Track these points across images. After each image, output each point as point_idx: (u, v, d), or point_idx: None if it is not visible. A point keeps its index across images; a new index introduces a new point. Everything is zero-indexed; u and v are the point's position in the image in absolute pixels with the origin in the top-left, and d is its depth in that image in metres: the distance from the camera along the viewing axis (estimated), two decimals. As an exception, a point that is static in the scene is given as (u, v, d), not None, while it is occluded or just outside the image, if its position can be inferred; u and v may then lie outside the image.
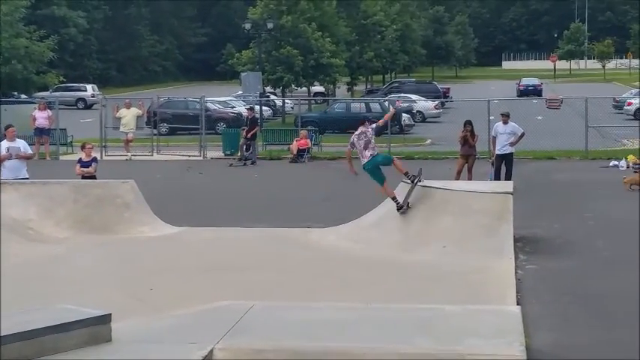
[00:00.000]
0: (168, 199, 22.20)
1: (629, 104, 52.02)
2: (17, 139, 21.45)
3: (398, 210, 16.87)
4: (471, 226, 16.68)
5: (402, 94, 60.57)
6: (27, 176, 21.01)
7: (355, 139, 17.77)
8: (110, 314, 9.21)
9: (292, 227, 18.69)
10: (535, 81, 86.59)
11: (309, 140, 35.48)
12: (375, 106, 47.47)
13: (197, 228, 19.08)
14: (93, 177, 21.54)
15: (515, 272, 14.96)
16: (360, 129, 17.85)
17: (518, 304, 12.04)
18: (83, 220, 18.56)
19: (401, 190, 17.55)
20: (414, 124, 48.87)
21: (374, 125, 18.32)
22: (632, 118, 48.47)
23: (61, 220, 18.58)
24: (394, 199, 17.07)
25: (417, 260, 15.67)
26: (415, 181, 17.15)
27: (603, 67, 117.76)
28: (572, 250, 17.11)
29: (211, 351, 8.62)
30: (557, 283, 14.67)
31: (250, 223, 19.45)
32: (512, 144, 24.25)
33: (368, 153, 17.36)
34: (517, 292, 13.55)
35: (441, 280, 14.18)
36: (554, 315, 12.43)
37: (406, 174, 17.44)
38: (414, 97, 59.47)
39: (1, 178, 20.39)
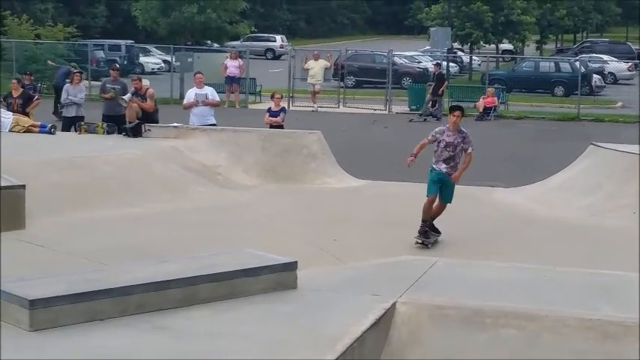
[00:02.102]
0: (353, 151, 22.43)
1: None
2: (205, 86, 21.87)
3: (420, 236, 13.47)
4: None
5: (594, 55, 58.95)
6: (214, 123, 21.52)
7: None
8: (296, 262, 9.42)
9: (476, 185, 18.50)
10: None
11: (495, 98, 35.12)
12: (565, 66, 46.36)
13: (381, 182, 19.21)
14: (280, 126, 21.90)
15: None
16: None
17: None
18: (270, 169, 18.94)
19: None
20: (604, 86, 47.58)
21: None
22: None
23: (248, 167, 19.01)
24: (426, 221, 13.58)
25: (605, 225, 15.34)
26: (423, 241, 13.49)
27: None
28: None
29: (394, 304, 8.71)
30: None
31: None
32: None
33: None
34: None
35: (627, 247, 13.78)
36: None
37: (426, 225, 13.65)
38: (606, 57, 57.34)
39: (190, 124, 21.02)
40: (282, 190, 18.00)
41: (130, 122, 20.41)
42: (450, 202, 13.72)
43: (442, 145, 12.84)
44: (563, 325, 8.41)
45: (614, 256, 13.35)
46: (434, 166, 13.21)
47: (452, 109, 13.09)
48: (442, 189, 13.55)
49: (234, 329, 8.16)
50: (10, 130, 20.67)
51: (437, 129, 13.06)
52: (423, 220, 13.31)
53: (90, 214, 14.76)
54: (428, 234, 13.35)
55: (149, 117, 20.89)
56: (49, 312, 7.87)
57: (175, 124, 20.61)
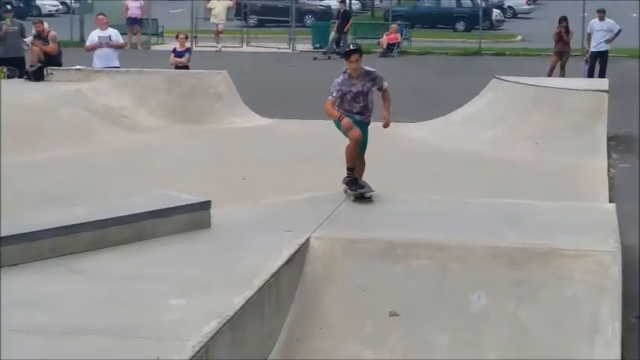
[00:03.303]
0: (259, 90, 22.34)
1: None
2: (109, 28, 21.57)
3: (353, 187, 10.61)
4: (563, 124, 16.54)
5: None
6: (118, 65, 21.21)
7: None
8: (210, 201, 9.53)
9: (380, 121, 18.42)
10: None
11: (399, 35, 35.25)
12: (466, 2, 46.59)
13: (287, 120, 19.21)
14: (186, 67, 21.78)
15: (608, 171, 14.87)
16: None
17: (611, 202, 11.94)
18: (176, 110, 18.85)
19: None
20: (504, 20, 48.12)
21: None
22: None
23: (154, 109, 18.91)
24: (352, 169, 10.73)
25: (508, 157, 15.60)
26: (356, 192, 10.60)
27: None
28: None
29: (308, 240, 8.86)
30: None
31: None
32: (608, 41, 23.84)
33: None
34: (610, 191, 13.52)
35: (531, 177, 14.17)
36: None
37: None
38: None
39: (93, 67, 20.74)
40: (189, 131, 17.89)
41: (31, 66, 20.10)
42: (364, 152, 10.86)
43: (350, 96, 10.15)
44: (471, 253, 8.62)
45: (519, 186, 13.59)
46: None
47: (347, 54, 9.94)
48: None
49: (148, 271, 8.20)
50: None
51: (338, 80, 10.11)
52: (349, 169, 10.42)
53: None
54: (358, 181, 10.46)
55: (52, 60, 20.58)
56: None
57: (78, 67, 20.27)
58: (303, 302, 8.47)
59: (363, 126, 10.46)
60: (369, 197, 10.39)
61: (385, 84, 10.73)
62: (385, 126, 10.98)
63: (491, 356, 8.03)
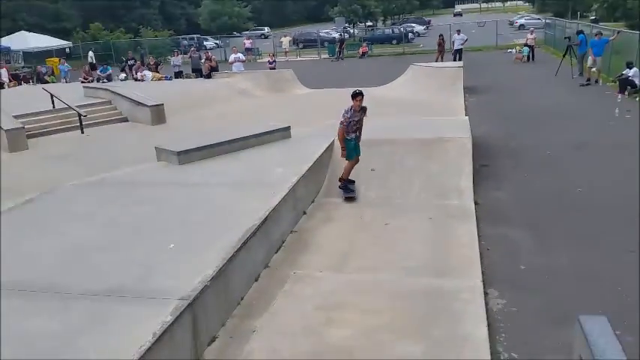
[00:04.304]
0: (306, 77, 21.07)
1: (516, 23, 48.69)
2: (238, 53, 21.09)
3: (348, 192, 7.81)
4: (443, 83, 15.63)
5: (409, 24, 52.56)
6: (243, 69, 20.17)
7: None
8: (289, 126, 9.36)
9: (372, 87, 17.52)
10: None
11: (367, 48, 33.40)
12: (396, 30, 43.45)
13: (320, 89, 18.10)
14: (274, 68, 21.32)
15: (465, 102, 14.39)
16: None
17: (465, 116, 11.26)
18: (271, 87, 18.14)
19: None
20: (414, 37, 43.28)
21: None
22: (517, 29, 45.49)
23: (261, 87, 18.14)
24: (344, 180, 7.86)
25: (418, 99, 14.58)
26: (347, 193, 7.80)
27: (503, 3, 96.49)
28: (489, 87, 16.80)
29: (333, 140, 8.18)
30: (482, 103, 14.26)
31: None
32: (462, 45, 23.35)
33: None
34: (465, 111, 13.03)
35: (429, 108, 13.24)
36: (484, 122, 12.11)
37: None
38: (414, 24, 51.83)
39: (232, 71, 20.07)
40: (277, 96, 17.13)
41: (205, 73, 19.93)
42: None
43: (353, 123, 7.47)
44: (406, 142, 8.20)
45: (424, 112, 12.64)
46: (347, 137, 7.55)
47: (354, 95, 7.32)
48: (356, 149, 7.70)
49: (266, 156, 8.02)
50: (151, 80, 20.46)
51: (347, 115, 7.42)
52: (343, 180, 7.77)
53: (195, 113, 14.44)
54: (348, 187, 7.82)
55: (213, 69, 20.00)
56: (186, 156, 8.08)
57: (226, 71, 20.18)
58: (332, 167, 8.03)
59: (357, 144, 7.65)
60: (354, 197, 7.61)
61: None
62: (359, 140, 7.70)
63: (417, 185, 7.52)
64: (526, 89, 16.65)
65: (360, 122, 7.54)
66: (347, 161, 7.67)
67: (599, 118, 11.85)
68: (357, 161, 7.76)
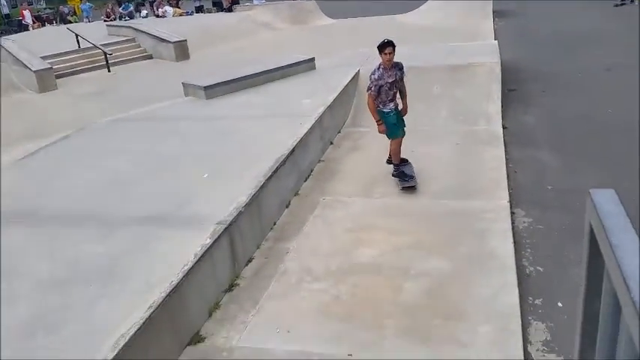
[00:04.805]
0: (327, 7, 20.61)
1: None
2: None
3: (405, 180, 5.66)
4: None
5: None
6: (264, 1, 20.20)
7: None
8: (314, 57, 9.33)
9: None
10: None
11: None
12: None
13: (344, 19, 17.88)
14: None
15: (494, 27, 14.26)
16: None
17: (495, 40, 11.19)
18: (293, 18, 18.00)
19: None
20: None
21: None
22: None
23: (284, 19, 18.11)
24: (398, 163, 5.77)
25: (445, 26, 14.53)
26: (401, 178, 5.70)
27: None
28: (517, 11, 16.11)
29: (358, 70, 8.34)
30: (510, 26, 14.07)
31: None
32: None
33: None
34: (494, 34, 13.00)
35: (457, 33, 13.18)
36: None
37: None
38: None
39: (253, 3, 20.20)
40: (299, 28, 16.89)
41: (226, 7, 19.71)
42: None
43: (386, 87, 5.41)
44: (434, 69, 8.09)
45: (452, 38, 12.14)
46: (383, 110, 5.51)
47: (382, 46, 5.20)
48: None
49: (292, 88, 8.06)
50: (173, 16, 20.25)
51: (374, 76, 5.40)
52: (396, 164, 5.76)
53: (217, 48, 14.52)
54: (405, 173, 5.70)
55: (235, 2, 19.95)
56: (213, 91, 8.18)
57: (247, 4, 20.00)
58: (358, 97, 7.93)
59: (399, 117, 5.65)
60: (414, 187, 5.57)
61: (405, 75, 5.65)
62: (404, 113, 5.73)
63: (444, 111, 7.44)
64: (556, 11, 16.22)
65: (396, 85, 5.43)
66: (390, 140, 5.62)
67: (633, 40, 11.44)
68: (400, 141, 5.62)
